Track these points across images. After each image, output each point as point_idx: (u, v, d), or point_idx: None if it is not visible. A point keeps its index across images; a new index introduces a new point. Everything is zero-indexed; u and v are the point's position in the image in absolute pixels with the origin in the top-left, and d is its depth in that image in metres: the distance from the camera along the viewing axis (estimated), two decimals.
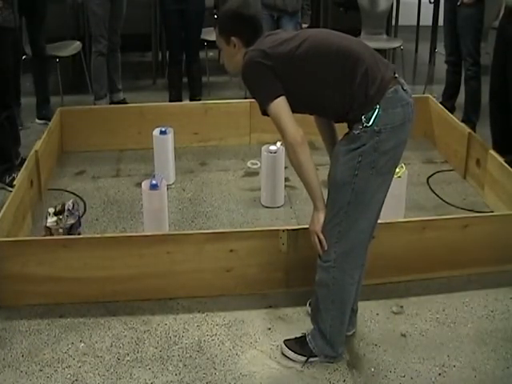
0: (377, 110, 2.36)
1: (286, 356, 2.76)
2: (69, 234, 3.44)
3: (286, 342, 2.78)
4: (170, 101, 5.35)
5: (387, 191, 2.55)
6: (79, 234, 3.55)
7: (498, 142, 4.27)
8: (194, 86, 5.47)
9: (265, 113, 2.48)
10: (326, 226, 2.51)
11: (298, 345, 2.75)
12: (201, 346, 2.84)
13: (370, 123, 2.36)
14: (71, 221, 3.49)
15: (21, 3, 4.31)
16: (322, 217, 2.52)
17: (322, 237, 2.51)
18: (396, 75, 2.45)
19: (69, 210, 3.53)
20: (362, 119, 2.37)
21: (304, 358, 2.71)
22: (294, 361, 2.73)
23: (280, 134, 2.46)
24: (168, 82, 5.48)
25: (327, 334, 2.65)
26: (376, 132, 2.37)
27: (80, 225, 3.60)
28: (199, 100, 5.34)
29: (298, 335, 2.79)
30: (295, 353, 2.74)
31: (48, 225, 3.44)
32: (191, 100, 5.39)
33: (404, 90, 2.44)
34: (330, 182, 2.49)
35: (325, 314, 2.63)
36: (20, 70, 4.65)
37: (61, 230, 3.44)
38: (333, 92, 2.41)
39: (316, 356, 2.71)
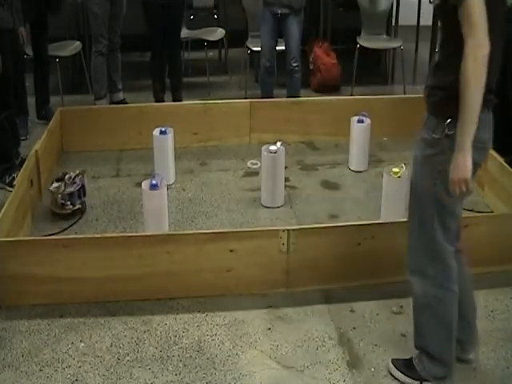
0: None
1: (393, 376, 2.65)
2: (69, 201, 3.66)
3: (393, 361, 2.68)
4: (155, 94, 5.34)
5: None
6: (83, 203, 3.76)
7: (497, 143, 4.26)
8: (176, 87, 5.45)
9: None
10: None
11: (406, 367, 2.63)
12: (201, 346, 2.84)
13: (453, 132, 2.20)
14: (70, 189, 3.67)
15: (26, 9, 4.34)
16: (468, 159, 2.16)
17: (471, 185, 2.21)
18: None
19: (69, 178, 3.71)
20: (445, 122, 2.22)
21: (417, 383, 2.59)
22: (403, 383, 2.62)
23: (466, 34, 2.12)
24: (151, 76, 5.44)
25: (436, 355, 2.53)
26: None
27: (85, 195, 3.80)
28: (180, 101, 5.35)
29: (407, 357, 2.65)
30: (404, 374, 2.62)
31: (51, 188, 3.68)
32: (174, 101, 5.38)
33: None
34: (412, 187, 2.40)
35: (430, 338, 2.52)
36: (22, 70, 4.65)
37: (59, 196, 3.65)
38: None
39: (427, 380, 2.57)
